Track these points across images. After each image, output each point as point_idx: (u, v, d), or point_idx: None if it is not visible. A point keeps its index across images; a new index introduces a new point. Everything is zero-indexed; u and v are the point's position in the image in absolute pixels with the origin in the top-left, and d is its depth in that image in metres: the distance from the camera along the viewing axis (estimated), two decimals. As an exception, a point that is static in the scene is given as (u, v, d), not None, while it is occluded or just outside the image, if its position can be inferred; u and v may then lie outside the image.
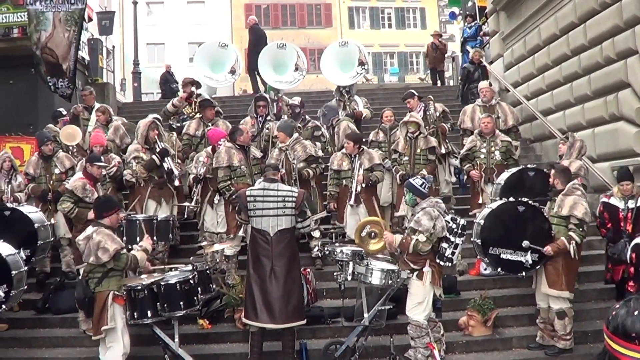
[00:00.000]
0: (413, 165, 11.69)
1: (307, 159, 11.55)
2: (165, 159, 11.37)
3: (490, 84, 13.41)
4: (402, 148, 11.85)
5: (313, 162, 11.65)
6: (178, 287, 8.62)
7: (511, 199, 9.44)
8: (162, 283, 8.60)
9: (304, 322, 9.12)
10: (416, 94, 13.76)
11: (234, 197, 10.61)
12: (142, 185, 11.35)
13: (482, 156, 11.63)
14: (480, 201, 11.30)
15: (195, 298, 8.81)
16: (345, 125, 12.84)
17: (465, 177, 11.79)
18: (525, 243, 8.93)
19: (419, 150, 11.73)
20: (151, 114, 12.99)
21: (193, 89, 14.54)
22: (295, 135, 11.85)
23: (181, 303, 8.60)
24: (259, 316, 8.82)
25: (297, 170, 11.35)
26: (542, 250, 8.92)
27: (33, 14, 15.38)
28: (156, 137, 11.53)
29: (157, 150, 11.36)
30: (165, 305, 8.51)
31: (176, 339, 8.75)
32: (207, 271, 9.47)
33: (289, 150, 11.51)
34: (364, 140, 12.15)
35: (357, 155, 11.34)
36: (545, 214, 9.27)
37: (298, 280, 9.22)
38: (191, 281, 8.78)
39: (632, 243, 8.70)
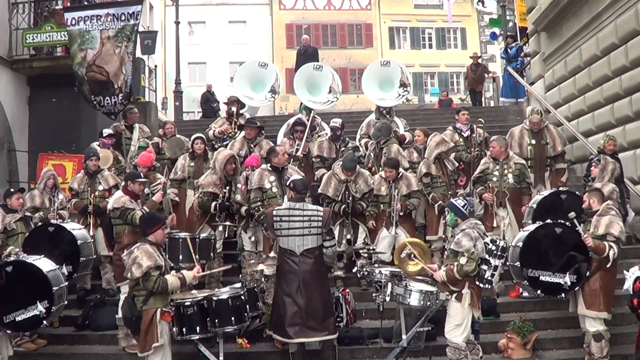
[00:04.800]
0: (449, 187, 11.85)
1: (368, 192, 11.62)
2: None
3: (541, 114, 12.88)
4: (435, 170, 11.92)
5: (369, 193, 11.69)
6: (230, 302, 8.74)
7: (548, 220, 9.42)
8: (214, 298, 8.70)
9: (335, 336, 9.14)
10: (470, 111, 13.99)
11: (261, 217, 10.72)
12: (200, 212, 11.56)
13: (494, 179, 11.48)
14: (494, 224, 11.19)
15: (245, 314, 8.95)
16: (396, 149, 12.76)
17: (478, 199, 11.61)
18: (571, 214, 8.96)
19: (449, 172, 11.95)
20: (196, 134, 13.18)
21: (233, 108, 14.68)
22: (357, 168, 11.82)
23: (232, 318, 8.72)
24: (289, 332, 8.90)
25: (352, 201, 11.44)
26: (579, 230, 9.02)
27: (76, 34, 15.68)
28: (232, 171, 11.59)
29: (219, 204, 11.40)
30: (216, 321, 8.61)
31: (221, 357, 8.83)
32: (255, 289, 9.57)
33: (351, 183, 11.51)
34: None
35: (396, 180, 11.40)
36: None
37: (326, 296, 9.24)
38: (242, 297, 8.91)
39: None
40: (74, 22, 15.80)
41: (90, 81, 15.66)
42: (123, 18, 15.69)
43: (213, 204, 11.35)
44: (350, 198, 11.40)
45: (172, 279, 8.40)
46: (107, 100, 15.64)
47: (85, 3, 18.66)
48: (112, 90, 15.65)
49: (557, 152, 12.47)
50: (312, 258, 9.08)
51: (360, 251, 11.39)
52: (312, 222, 9.09)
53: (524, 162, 11.78)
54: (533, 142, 12.37)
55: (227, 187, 11.53)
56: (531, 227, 9.61)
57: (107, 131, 14.07)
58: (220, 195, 11.44)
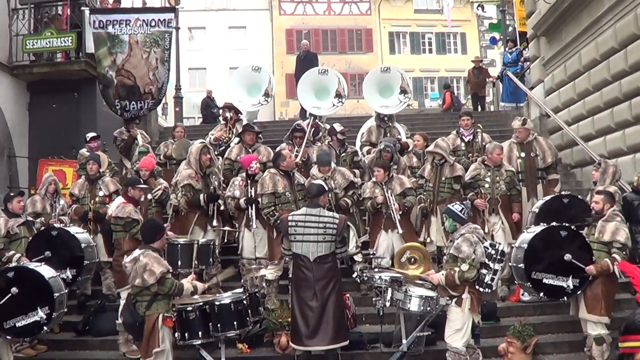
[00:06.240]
0: (437, 193, 11.71)
1: (347, 186, 11.61)
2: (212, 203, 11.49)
3: (525, 122, 12.77)
4: (428, 174, 11.87)
5: (351, 188, 11.68)
6: (232, 306, 8.75)
7: (553, 223, 9.39)
8: (217, 303, 8.71)
9: (347, 342, 9.15)
10: (472, 116, 13.98)
11: (277, 222, 10.66)
12: (186, 213, 11.47)
13: (486, 185, 11.47)
14: (486, 231, 10.99)
15: (247, 318, 8.94)
16: (405, 160, 12.76)
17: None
18: (567, 256, 8.90)
19: (443, 178, 11.72)
20: (198, 139, 13.20)
21: (228, 114, 14.68)
22: (332, 164, 11.91)
23: (234, 323, 8.72)
24: (304, 340, 8.89)
25: (335, 199, 11.42)
26: (584, 268, 8.89)
27: (104, 37, 15.84)
28: (208, 161, 11.64)
29: (206, 194, 11.42)
30: (219, 325, 8.62)
31: (223, 362, 8.83)
32: (257, 294, 9.56)
33: (329, 179, 11.49)
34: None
35: (387, 182, 11.35)
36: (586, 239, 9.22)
37: (340, 303, 9.23)
38: (244, 301, 8.91)
39: None
40: (101, 24, 15.95)
41: (119, 85, 15.84)
42: (153, 24, 15.86)
43: (201, 195, 11.35)
44: (331, 195, 11.29)
45: (187, 284, 8.48)
46: (133, 104, 15.80)
47: (108, 6, 18.72)
48: (138, 95, 15.78)
49: (547, 163, 12.29)
50: (326, 264, 9.07)
51: (355, 256, 11.38)
52: (327, 229, 9.07)
53: (513, 169, 11.81)
54: (522, 155, 12.26)
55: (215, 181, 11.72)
56: (536, 229, 9.55)
57: (90, 135, 14.11)
58: (211, 188, 11.57)
